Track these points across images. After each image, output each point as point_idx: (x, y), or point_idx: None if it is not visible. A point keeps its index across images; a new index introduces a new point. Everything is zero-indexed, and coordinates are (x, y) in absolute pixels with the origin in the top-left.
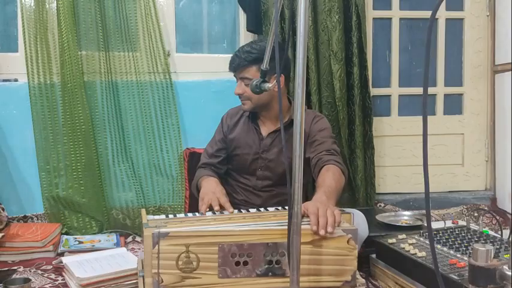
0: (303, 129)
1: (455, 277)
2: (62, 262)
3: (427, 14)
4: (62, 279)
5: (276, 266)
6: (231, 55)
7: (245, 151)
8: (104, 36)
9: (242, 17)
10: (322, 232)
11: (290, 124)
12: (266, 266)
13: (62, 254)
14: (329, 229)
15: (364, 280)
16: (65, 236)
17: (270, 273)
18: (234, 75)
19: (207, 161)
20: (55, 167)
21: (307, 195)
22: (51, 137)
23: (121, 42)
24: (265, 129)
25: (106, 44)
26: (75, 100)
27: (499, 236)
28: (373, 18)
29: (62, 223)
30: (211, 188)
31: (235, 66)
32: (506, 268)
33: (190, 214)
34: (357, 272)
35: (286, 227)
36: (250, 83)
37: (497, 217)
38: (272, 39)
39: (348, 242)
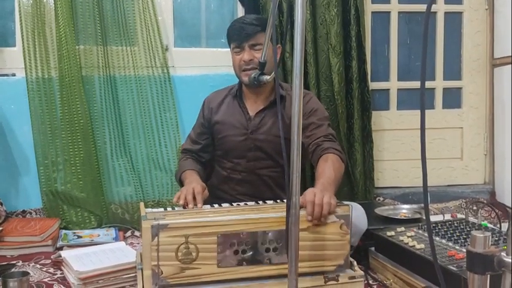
0: (301, 122)
1: (454, 268)
2: (60, 256)
3: (425, 7)
4: (60, 273)
5: (274, 253)
6: (229, 49)
7: (232, 132)
8: (101, 30)
9: (240, 11)
10: (315, 222)
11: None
12: (264, 254)
13: (60, 249)
14: (322, 220)
15: (363, 273)
16: (64, 231)
17: (268, 261)
18: (237, 46)
19: (190, 147)
20: (53, 161)
21: (305, 182)
22: (49, 131)
23: (119, 36)
24: (252, 109)
25: (104, 38)
26: (73, 94)
27: (498, 229)
28: (372, 12)
29: (61, 218)
30: (192, 182)
31: (248, 34)
32: (504, 255)
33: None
34: (355, 264)
35: (284, 215)
36: (262, 48)
37: (496, 210)
38: (270, 32)
39: (340, 227)
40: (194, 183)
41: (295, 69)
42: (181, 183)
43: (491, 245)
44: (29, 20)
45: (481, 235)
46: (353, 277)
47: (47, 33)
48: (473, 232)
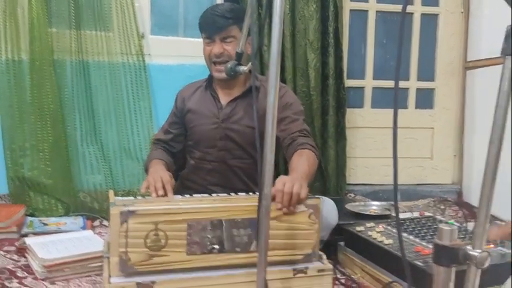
0: (276, 114)
1: (420, 264)
2: (25, 243)
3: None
4: (24, 261)
5: (244, 241)
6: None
7: (203, 121)
8: (76, 14)
9: (220, 1)
10: (284, 210)
11: (250, 92)
12: (234, 242)
13: (25, 236)
14: (290, 209)
15: (331, 266)
16: (30, 218)
17: (238, 249)
18: (208, 37)
19: (162, 137)
20: (21, 146)
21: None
22: (17, 115)
23: (93, 21)
24: (224, 98)
25: (77, 22)
26: (43, 78)
27: (464, 227)
28: (350, 10)
29: (27, 204)
30: (158, 172)
31: (219, 27)
32: (470, 248)
33: (159, 197)
34: (325, 258)
35: (254, 204)
36: (234, 41)
37: (463, 210)
38: (248, 24)
39: (309, 216)
40: (160, 171)
41: (271, 59)
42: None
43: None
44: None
45: (448, 228)
46: (322, 270)
47: (18, 14)
48: (441, 225)
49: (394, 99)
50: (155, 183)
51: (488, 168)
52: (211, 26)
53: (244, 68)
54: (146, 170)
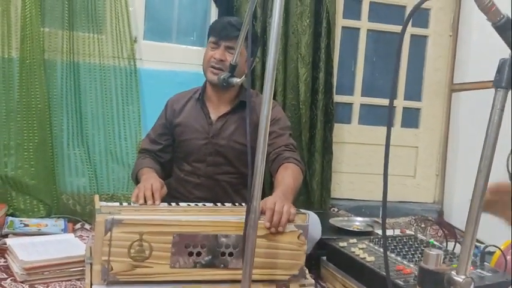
0: (268, 127)
1: (401, 283)
2: (5, 244)
3: (394, 27)
4: (4, 262)
5: (229, 258)
6: (199, 48)
7: (193, 136)
8: (69, 14)
9: (214, 11)
10: (273, 230)
11: (240, 107)
12: (219, 258)
13: (5, 236)
14: (280, 229)
15: (313, 281)
16: (10, 218)
17: (222, 265)
18: (214, 42)
19: (149, 147)
20: (5, 145)
21: (264, 189)
22: (3, 113)
23: (86, 22)
24: (214, 113)
25: (71, 23)
26: (33, 77)
27: (444, 247)
28: (342, 27)
29: (8, 204)
30: (150, 180)
31: (228, 35)
32: (455, 273)
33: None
34: (307, 272)
35: (242, 220)
36: (234, 52)
37: (444, 229)
38: (243, 36)
39: (298, 237)
40: (152, 179)
41: (267, 76)
42: (137, 182)
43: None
44: None
45: (434, 253)
46: (303, 285)
47: (11, 11)
48: (426, 249)
49: (388, 117)
50: (145, 191)
51: (475, 197)
52: (220, 32)
53: (237, 80)
54: (134, 178)
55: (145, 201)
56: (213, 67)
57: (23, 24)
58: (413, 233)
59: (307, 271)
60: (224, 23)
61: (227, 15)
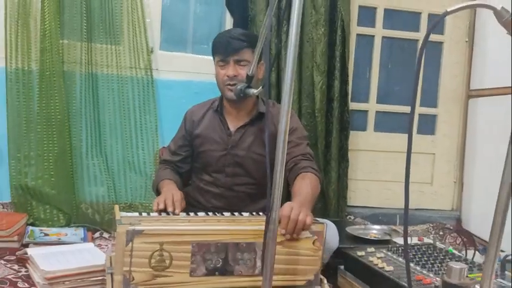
0: (286, 139)
1: None
2: (26, 253)
3: (408, 34)
4: (25, 271)
5: (248, 265)
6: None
7: (212, 147)
8: (87, 26)
9: (229, 20)
10: (288, 237)
11: (258, 118)
12: (237, 266)
13: (26, 245)
14: (294, 236)
15: (328, 287)
16: (31, 227)
17: (241, 273)
18: (222, 60)
19: (169, 158)
20: (26, 155)
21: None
22: (24, 124)
23: (104, 34)
24: (233, 125)
25: (89, 34)
26: (52, 89)
27: (463, 256)
28: (357, 34)
29: (29, 214)
30: (171, 192)
31: (235, 48)
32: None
33: (163, 214)
34: (325, 282)
35: (259, 228)
36: (247, 65)
37: (462, 237)
38: (261, 47)
39: (313, 243)
40: (173, 191)
41: (285, 87)
42: (158, 193)
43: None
44: (13, 10)
45: (458, 267)
46: None
47: (31, 24)
48: (450, 263)
49: (409, 124)
50: (166, 200)
51: (499, 209)
52: (226, 48)
53: (254, 91)
54: (155, 190)
55: (166, 209)
56: (229, 84)
57: (42, 37)
58: (431, 242)
59: (325, 281)
60: (226, 38)
61: (241, 24)
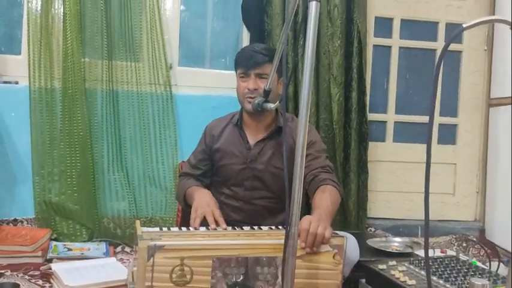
0: (304, 154)
1: None
2: (50, 268)
3: (425, 44)
4: (49, 286)
5: (268, 280)
6: (232, 72)
7: (232, 161)
8: (108, 44)
9: (245, 35)
10: (307, 250)
11: (277, 132)
12: (258, 281)
13: (50, 260)
14: (314, 249)
15: None
16: (54, 242)
17: (262, 287)
18: (244, 73)
19: (190, 171)
20: (49, 172)
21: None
22: (48, 141)
23: (124, 52)
24: (252, 138)
25: (110, 52)
26: (74, 106)
27: (487, 268)
28: (374, 45)
29: (52, 229)
30: (205, 199)
31: (257, 62)
32: None
33: (184, 228)
34: None
35: (279, 242)
36: (267, 78)
37: (486, 249)
38: (278, 61)
39: (333, 257)
40: (212, 206)
41: (302, 102)
42: (185, 201)
43: None
44: (36, 30)
45: (479, 283)
46: None
47: (53, 43)
48: (472, 279)
49: (428, 134)
50: (207, 216)
51: None
52: (248, 62)
53: (271, 106)
54: (181, 199)
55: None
56: (249, 97)
57: (64, 56)
58: (455, 254)
59: None
60: (249, 52)
61: (258, 39)
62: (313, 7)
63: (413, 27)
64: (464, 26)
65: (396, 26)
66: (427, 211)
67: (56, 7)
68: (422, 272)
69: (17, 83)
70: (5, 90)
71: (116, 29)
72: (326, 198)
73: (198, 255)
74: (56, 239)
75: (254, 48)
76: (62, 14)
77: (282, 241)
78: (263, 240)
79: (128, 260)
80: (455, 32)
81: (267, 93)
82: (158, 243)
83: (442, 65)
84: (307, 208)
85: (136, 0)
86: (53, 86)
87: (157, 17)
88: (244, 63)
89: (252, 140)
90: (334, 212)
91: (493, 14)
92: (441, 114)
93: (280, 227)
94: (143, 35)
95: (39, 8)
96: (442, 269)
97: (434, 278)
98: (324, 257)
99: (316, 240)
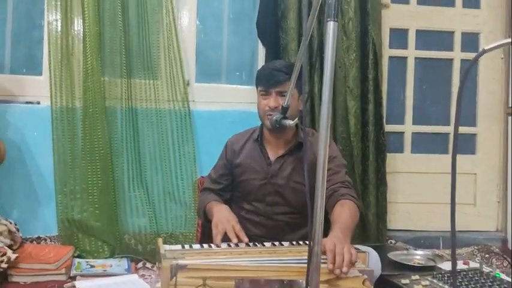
0: (326, 172)
1: None
2: (74, 286)
3: (442, 54)
4: None
5: None
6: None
7: (252, 176)
8: (127, 63)
9: (261, 50)
10: (337, 271)
11: (297, 148)
12: None
13: (74, 278)
14: (344, 269)
15: None
16: (77, 259)
17: None
18: (264, 90)
19: (211, 186)
20: (72, 190)
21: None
22: (69, 160)
23: (143, 70)
24: (272, 154)
25: (128, 71)
26: (95, 125)
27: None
28: (389, 57)
29: (75, 246)
30: (224, 214)
31: (277, 81)
32: None
33: (205, 245)
34: None
35: (303, 265)
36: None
37: (509, 259)
38: (295, 78)
39: (363, 283)
40: (232, 221)
41: (322, 118)
42: (205, 216)
43: None
44: (57, 50)
45: None
46: None
47: (74, 63)
48: None
49: (453, 144)
50: (228, 232)
51: None
52: (269, 80)
53: (290, 122)
54: (201, 213)
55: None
56: (269, 114)
57: (85, 76)
58: (478, 266)
59: None
60: (269, 70)
61: (274, 54)
62: (330, 27)
63: (429, 38)
64: (485, 48)
65: (411, 36)
66: (453, 223)
67: (76, 28)
68: (446, 287)
69: (38, 103)
70: (27, 111)
71: (134, 48)
72: (345, 212)
73: (221, 275)
74: (79, 256)
75: (275, 66)
76: (82, 34)
77: (305, 264)
78: (287, 259)
79: (149, 275)
80: (477, 55)
81: (285, 110)
82: (180, 262)
83: (453, 67)
84: (325, 223)
85: (153, 18)
86: (74, 105)
87: (174, 35)
88: (265, 81)
89: (272, 156)
90: (353, 227)
91: (510, 22)
92: (460, 124)
93: (301, 242)
94: (161, 53)
95: (59, 29)
96: (466, 283)
97: None
98: (353, 282)
99: (345, 260)
